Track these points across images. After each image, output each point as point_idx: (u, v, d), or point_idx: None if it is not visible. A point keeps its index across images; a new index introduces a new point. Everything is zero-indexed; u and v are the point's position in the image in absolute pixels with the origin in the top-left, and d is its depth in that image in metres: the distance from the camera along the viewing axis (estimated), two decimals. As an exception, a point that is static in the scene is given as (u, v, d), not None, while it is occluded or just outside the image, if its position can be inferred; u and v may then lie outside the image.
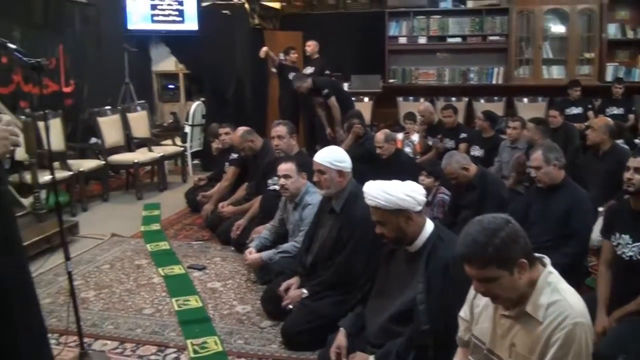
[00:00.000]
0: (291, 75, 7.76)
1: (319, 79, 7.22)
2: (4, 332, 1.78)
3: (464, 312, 2.02)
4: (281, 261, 3.70)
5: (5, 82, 6.24)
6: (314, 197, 3.67)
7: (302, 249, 3.45)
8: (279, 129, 4.58)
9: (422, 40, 9.03)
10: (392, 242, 2.49)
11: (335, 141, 6.85)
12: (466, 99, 8.74)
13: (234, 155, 5.43)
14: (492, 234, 1.68)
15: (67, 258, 2.61)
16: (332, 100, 6.99)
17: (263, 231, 4.15)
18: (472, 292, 1.94)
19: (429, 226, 2.45)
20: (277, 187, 4.09)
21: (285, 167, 3.83)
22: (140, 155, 6.76)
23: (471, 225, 1.75)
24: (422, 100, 8.49)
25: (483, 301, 1.91)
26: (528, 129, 5.27)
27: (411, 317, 2.33)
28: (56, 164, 5.91)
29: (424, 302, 2.29)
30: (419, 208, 2.42)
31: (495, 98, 8.68)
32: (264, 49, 7.74)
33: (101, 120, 6.67)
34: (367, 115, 7.94)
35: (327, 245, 3.16)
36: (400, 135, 6.90)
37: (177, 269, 4.28)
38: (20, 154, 4.92)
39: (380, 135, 5.32)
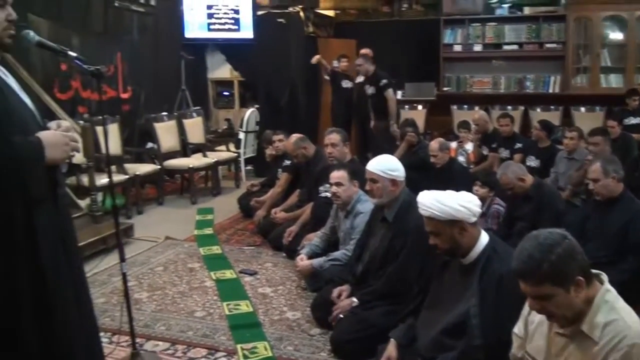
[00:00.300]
0: (344, 83, 7.77)
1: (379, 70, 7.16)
2: (58, 329, 1.82)
3: (518, 329, 1.96)
4: (332, 269, 3.69)
5: (65, 89, 6.48)
6: (366, 205, 3.65)
7: (353, 258, 3.43)
8: (333, 136, 4.58)
9: (478, 47, 8.90)
10: (445, 254, 2.45)
11: (387, 134, 6.82)
12: (522, 108, 8.54)
13: (287, 162, 5.47)
14: (548, 250, 1.63)
15: (122, 259, 2.66)
16: (390, 92, 6.93)
17: (314, 238, 4.15)
18: (526, 308, 1.89)
19: (484, 238, 2.40)
20: (328, 194, 4.09)
21: (337, 175, 3.83)
22: (195, 160, 6.88)
23: (527, 240, 1.71)
24: (476, 108, 8.33)
25: (538, 318, 1.85)
26: (594, 141, 5.01)
27: (464, 331, 2.28)
28: (113, 168, 6.08)
29: (477, 316, 2.24)
30: (474, 219, 2.37)
31: (552, 107, 8.45)
32: (317, 56, 7.76)
33: (157, 125, 6.83)
34: (420, 124, 7.86)
35: (378, 254, 3.13)
36: (454, 144, 6.80)
37: (228, 274, 4.32)
38: (78, 157, 5.06)
39: (434, 144, 5.26)
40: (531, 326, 1.90)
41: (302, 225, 4.59)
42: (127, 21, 7.63)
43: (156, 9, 7.93)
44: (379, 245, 3.15)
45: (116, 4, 7.25)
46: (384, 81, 6.91)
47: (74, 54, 1.98)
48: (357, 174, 3.76)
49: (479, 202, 2.44)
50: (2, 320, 1.70)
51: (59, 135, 1.82)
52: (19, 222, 1.72)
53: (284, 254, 4.65)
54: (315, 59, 7.74)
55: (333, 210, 4.08)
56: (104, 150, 5.02)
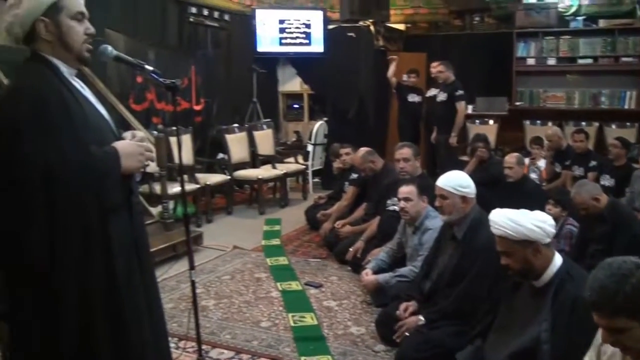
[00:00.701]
0: (410, 97, 7.70)
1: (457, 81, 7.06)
2: (130, 332, 1.86)
3: (589, 358, 1.87)
4: (398, 285, 3.65)
5: (140, 100, 6.74)
6: (435, 221, 3.60)
7: (420, 275, 3.38)
8: (405, 151, 4.54)
9: (551, 61, 8.62)
10: (517, 275, 2.37)
11: (449, 149, 6.73)
12: (596, 124, 8.20)
13: (354, 175, 5.47)
14: (622, 281, 1.53)
15: (192, 267, 2.71)
16: (462, 104, 6.84)
17: (380, 253, 4.12)
18: (599, 336, 1.80)
19: (557, 260, 2.31)
20: (396, 208, 4.05)
21: (406, 190, 3.80)
22: (264, 171, 6.98)
23: (599, 269, 1.61)
24: (549, 124, 8.08)
25: (611, 349, 1.74)
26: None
27: (533, 357, 2.20)
28: (185, 177, 6.24)
29: (548, 342, 2.16)
30: (548, 240, 2.29)
31: (628, 123, 8.06)
32: (393, 63, 7.67)
33: (229, 137, 6.97)
34: (492, 139, 7.69)
35: (446, 273, 3.07)
36: (526, 161, 6.61)
37: (294, 285, 4.34)
38: (152, 167, 5.23)
39: (511, 158, 5.15)
40: (604, 357, 1.80)
41: (367, 239, 4.57)
42: (201, 36, 7.87)
43: (230, 24, 8.13)
44: (448, 263, 3.09)
45: (191, 20, 7.48)
46: (460, 92, 6.82)
47: (150, 68, 2.04)
48: (426, 189, 3.71)
49: (553, 222, 2.36)
50: (77, 320, 1.75)
51: (134, 145, 1.87)
52: (94, 229, 1.77)
53: (349, 268, 4.64)
54: (390, 65, 7.64)
55: (400, 226, 4.04)
56: (176, 160, 5.19)
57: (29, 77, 1.78)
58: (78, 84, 1.90)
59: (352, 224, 5.04)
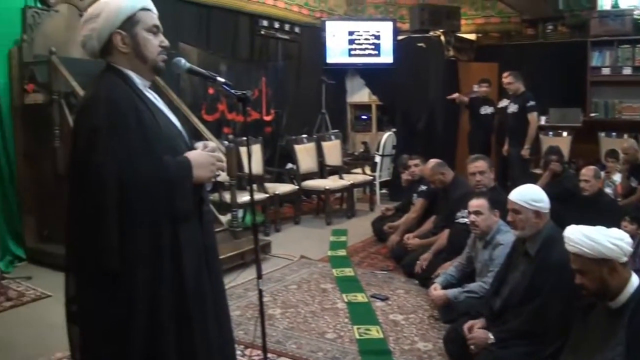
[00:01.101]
0: (482, 110, 7.56)
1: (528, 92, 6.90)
2: (197, 337, 1.89)
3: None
4: (467, 301, 3.56)
5: (212, 111, 6.96)
6: (507, 236, 3.50)
7: (490, 291, 3.29)
8: (480, 164, 4.45)
9: (627, 70, 8.22)
10: (592, 295, 2.28)
11: (520, 160, 6.57)
12: (675, 137, 7.79)
13: (423, 187, 5.41)
14: None
15: (259, 276, 2.73)
16: (534, 115, 6.68)
17: (449, 267, 4.05)
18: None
19: (635, 281, 2.21)
20: (466, 221, 3.98)
21: (477, 204, 3.72)
22: (332, 182, 7.02)
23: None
24: (625, 136, 7.72)
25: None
26: None
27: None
28: (254, 186, 6.35)
29: (622, 367, 2.06)
30: (625, 259, 2.20)
31: None
32: (455, 95, 7.58)
33: (297, 147, 7.06)
34: (565, 151, 7.44)
35: (518, 290, 2.98)
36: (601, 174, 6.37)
37: (360, 297, 4.33)
38: (222, 176, 5.34)
39: (588, 171, 4.98)
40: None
41: (436, 252, 4.50)
42: (272, 48, 8.02)
43: (300, 36, 8.23)
44: (520, 280, 3.00)
45: (262, 33, 7.63)
46: (532, 102, 6.65)
47: (222, 80, 2.08)
48: (498, 203, 3.62)
49: (630, 240, 2.26)
50: (146, 324, 1.79)
51: (205, 156, 1.91)
52: (165, 236, 1.81)
53: (417, 281, 4.58)
54: (454, 96, 7.57)
55: (470, 240, 3.96)
56: (246, 170, 5.28)
57: (105, 87, 1.84)
58: (152, 95, 1.96)
59: (420, 237, 4.99)
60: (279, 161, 7.67)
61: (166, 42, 1.94)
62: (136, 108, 1.81)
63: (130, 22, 1.86)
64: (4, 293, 4.38)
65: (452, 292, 3.68)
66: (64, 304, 1.93)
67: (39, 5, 5.36)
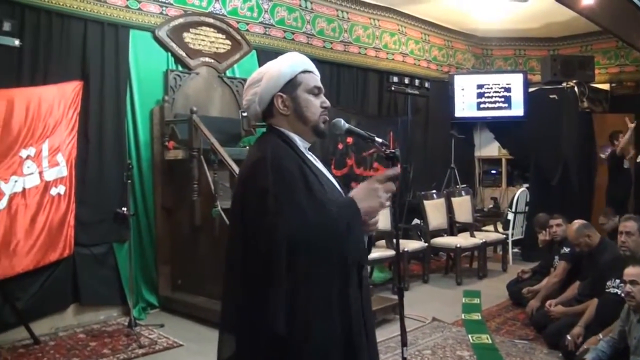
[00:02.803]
0: (626, 164, 7.09)
1: None
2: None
3: None
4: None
5: (341, 166, 7.06)
6: (670, 312, 3.19)
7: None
8: (630, 224, 4.13)
9: None
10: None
11: None
12: None
13: (566, 250, 5.09)
14: None
15: (404, 344, 2.64)
16: None
17: (599, 342, 3.73)
18: None
19: None
20: (618, 291, 3.68)
21: (634, 272, 3.44)
22: (463, 239, 6.81)
23: None
24: None
25: None
26: None
27: None
28: (381, 242, 6.30)
29: None
30: None
31: None
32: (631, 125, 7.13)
33: (427, 203, 6.95)
34: None
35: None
36: None
37: (502, 369, 4.09)
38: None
39: None
40: None
41: (586, 324, 4.16)
42: (400, 103, 8.07)
43: (429, 91, 8.23)
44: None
45: (392, 89, 7.70)
46: None
47: (379, 140, 2.06)
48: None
49: None
50: None
51: (365, 186, 1.84)
52: (336, 292, 1.76)
53: (561, 354, 4.25)
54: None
55: (623, 312, 3.64)
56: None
57: (270, 149, 1.84)
58: (312, 157, 1.96)
59: (563, 304, 4.65)
60: (407, 217, 7.58)
61: (327, 103, 1.94)
62: (301, 169, 1.80)
63: (291, 85, 1.89)
64: (137, 340, 4.57)
65: (606, 372, 3.39)
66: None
67: (180, 68, 5.76)
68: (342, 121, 2.00)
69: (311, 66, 1.96)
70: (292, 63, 1.92)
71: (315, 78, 1.94)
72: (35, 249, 4.59)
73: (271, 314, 1.72)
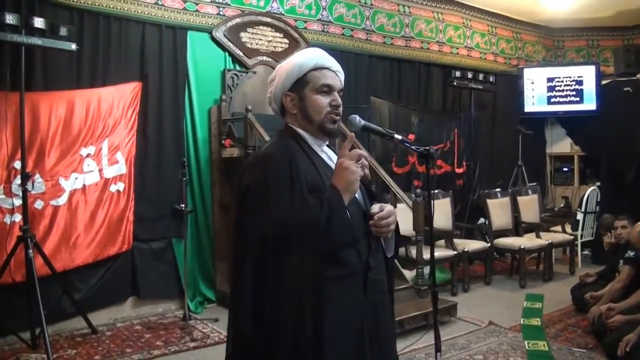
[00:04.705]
0: None
1: None
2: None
3: None
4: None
5: (402, 164, 6.98)
6: None
7: None
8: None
9: None
10: None
11: None
12: None
13: (631, 253, 4.79)
14: None
15: (438, 350, 2.54)
16: None
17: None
18: None
19: None
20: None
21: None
22: (528, 240, 6.56)
23: None
24: None
25: None
26: None
27: None
28: (441, 242, 6.17)
29: None
30: None
31: None
32: None
33: (490, 202, 6.74)
34: None
35: None
36: None
37: (553, 378, 3.91)
38: (407, 230, 5.25)
39: None
40: None
41: (645, 333, 3.93)
42: (465, 98, 7.87)
43: (495, 85, 7.98)
44: None
45: (455, 84, 7.52)
46: None
47: (399, 137, 1.97)
48: None
49: None
50: None
51: (340, 165, 1.77)
52: (307, 295, 1.72)
53: (614, 363, 4.02)
54: None
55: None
56: (435, 225, 5.09)
57: (269, 146, 1.90)
58: (326, 155, 1.94)
59: (625, 312, 4.38)
60: (470, 216, 7.38)
61: (338, 101, 1.89)
62: (295, 165, 1.77)
63: (299, 84, 1.89)
64: (190, 333, 4.69)
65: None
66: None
67: (237, 67, 5.84)
68: (358, 117, 1.93)
69: (328, 62, 1.93)
70: (303, 61, 1.90)
71: (327, 75, 1.90)
72: (94, 243, 4.81)
73: (237, 313, 1.78)
